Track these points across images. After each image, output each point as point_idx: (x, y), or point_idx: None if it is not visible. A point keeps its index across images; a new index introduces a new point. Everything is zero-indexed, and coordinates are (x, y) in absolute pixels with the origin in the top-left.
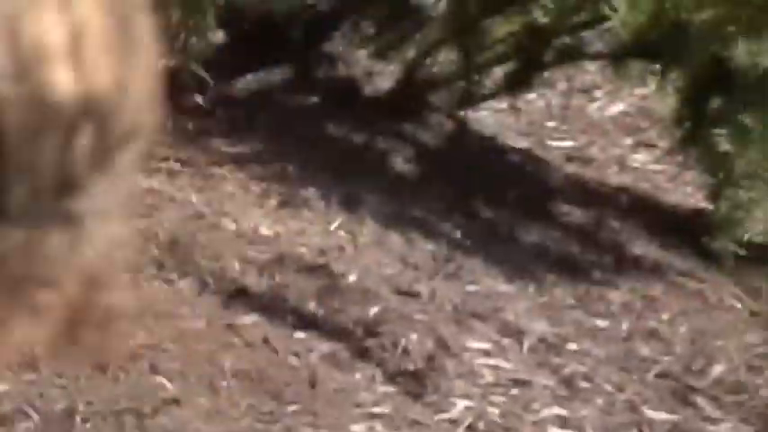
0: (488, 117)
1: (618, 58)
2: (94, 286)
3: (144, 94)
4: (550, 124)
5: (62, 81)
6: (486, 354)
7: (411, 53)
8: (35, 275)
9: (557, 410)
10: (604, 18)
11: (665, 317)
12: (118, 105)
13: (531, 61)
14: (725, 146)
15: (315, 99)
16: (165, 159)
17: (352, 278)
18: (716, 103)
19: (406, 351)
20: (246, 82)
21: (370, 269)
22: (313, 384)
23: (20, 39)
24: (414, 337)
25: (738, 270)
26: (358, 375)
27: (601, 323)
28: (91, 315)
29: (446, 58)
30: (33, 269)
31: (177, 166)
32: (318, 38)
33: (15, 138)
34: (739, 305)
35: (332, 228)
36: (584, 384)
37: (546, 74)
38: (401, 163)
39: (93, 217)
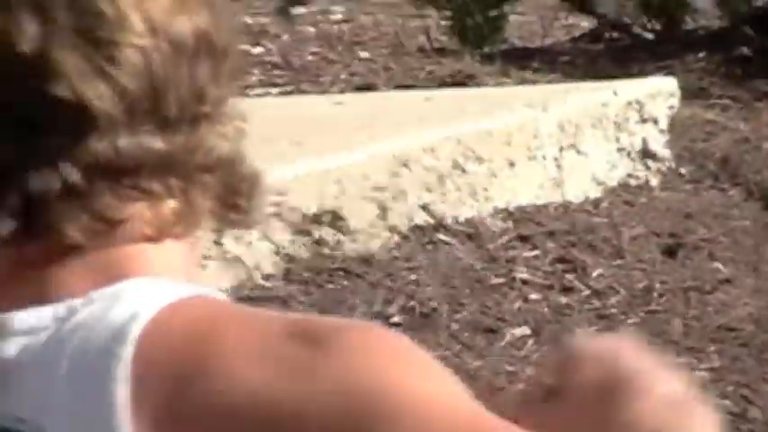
0: None
1: None
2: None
3: (230, 34)
4: None
5: (185, 30)
6: None
7: None
8: (198, 164)
9: None
10: None
11: None
12: (218, 43)
13: None
14: None
15: None
16: (719, 97)
17: None
18: None
19: None
20: None
21: None
22: None
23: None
24: None
25: None
26: None
27: None
28: None
29: None
30: (196, 159)
31: (728, 102)
32: None
33: (165, 67)
34: None
35: None
36: None
37: None
38: None
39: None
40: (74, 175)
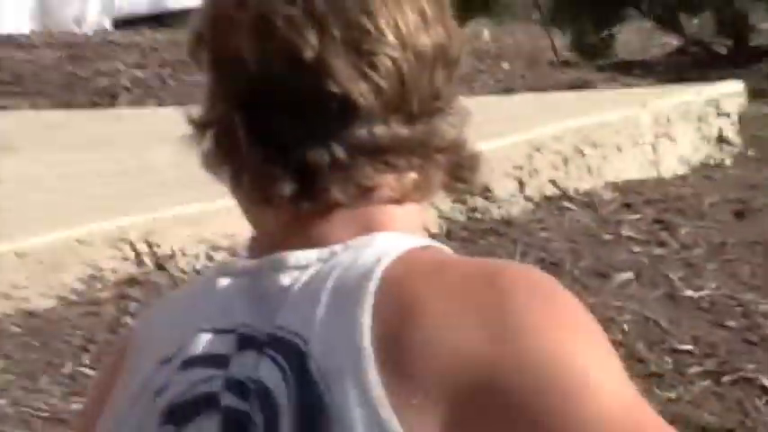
0: None
1: None
2: None
3: (460, 46)
4: None
5: (427, 44)
6: None
7: None
8: (434, 146)
9: None
10: None
11: None
12: (451, 54)
13: None
14: None
15: None
16: None
17: None
18: None
19: None
20: None
21: None
22: None
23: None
24: None
25: None
26: None
27: None
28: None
29: None
30: (432, 142)
31: None
32: None
33: (411, 73)
34: None
35: None
36: None
37: None
38: None
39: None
40: (340, 152)
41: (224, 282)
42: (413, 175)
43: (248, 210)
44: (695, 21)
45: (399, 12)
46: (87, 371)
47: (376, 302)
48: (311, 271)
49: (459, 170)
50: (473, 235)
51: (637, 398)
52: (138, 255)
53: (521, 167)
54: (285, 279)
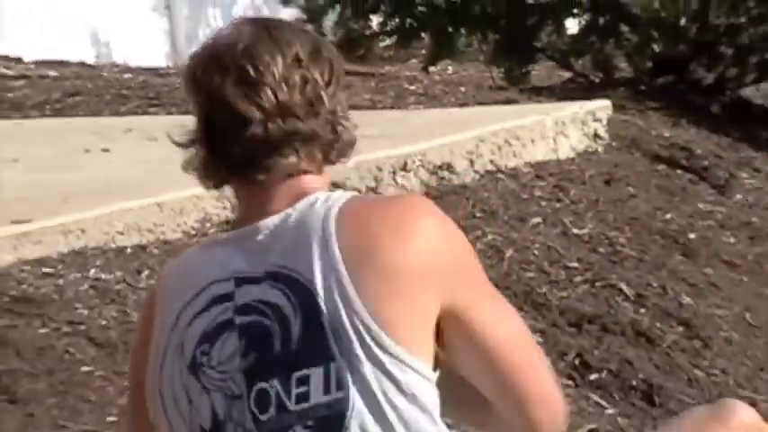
0: None
1: None
2: None
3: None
4: None
5: (296, 80)
6: None
7: None
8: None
9: None
10: None
11: None
12: (317, 82)
13: None
14: None
15: None
16: (631, 111)
17: None
18: None
19: None
20: None
21: None
22: None
23: None
24: None
25: None
26: None
27: None
28: None
29: None
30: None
31: (636, 113)
32: None
33: (286, 98)
34: None
35: None
36: None
37: None
38: None
39: None
40: (253, 148)
41: (218, 247)
42: (318, 156)
43: (234, 194)
44: (580, 61)
45: (276, 60)
46: None
47: (341, 232)
48: (280, 229)
49: (334, 153)
50: (442, 194)
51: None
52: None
53: (472, 152)
54: (262, 238)
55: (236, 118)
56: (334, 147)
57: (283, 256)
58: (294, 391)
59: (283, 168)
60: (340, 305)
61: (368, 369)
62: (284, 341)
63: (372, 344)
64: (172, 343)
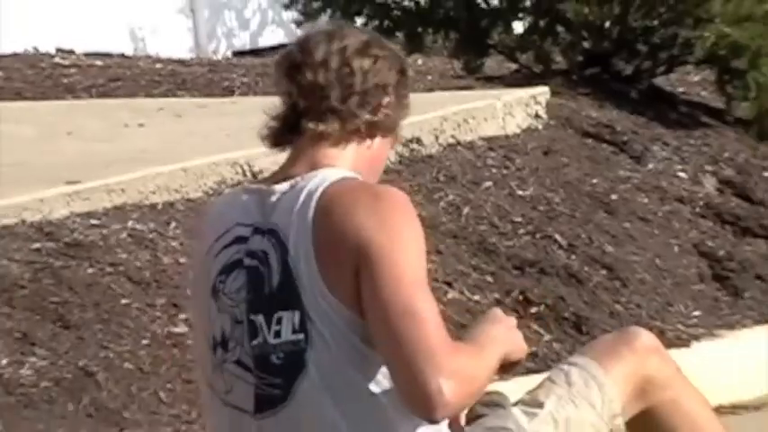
0: None
1: None
2: None
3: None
4: None
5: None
6: None
7: None
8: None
9: None
10: None
11: None
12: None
13: None
14: None
15: None
16: (564, 96)
17: None
18: None
19: None
20: None
21: None
22: None
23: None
24: None
25: None
26: None
27: None
28: None
29: None
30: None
31: (569, 96)
32: None
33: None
34: None
35: None
36: None
37: None
38: None
39: None
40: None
41: (245, 195)
42: (342, 130)
43: None
44: (524, 55)
45: (319, 48)
46: None
47: (316, 207)
48: (286, 194)
49: (364, 130)
50: (412, 163)
51: (420, 282)
52: (244, 173)
53: (436, 129)
54: (273, 199)
55: (283, 93)
56: (362, 125)
57: (280, 218)
58: (273, 327)
59: (308, 137)
60: (304, 267)
61: (320, 317)
62: (269, 286)
63: (320, 298)
64: (204, 267)
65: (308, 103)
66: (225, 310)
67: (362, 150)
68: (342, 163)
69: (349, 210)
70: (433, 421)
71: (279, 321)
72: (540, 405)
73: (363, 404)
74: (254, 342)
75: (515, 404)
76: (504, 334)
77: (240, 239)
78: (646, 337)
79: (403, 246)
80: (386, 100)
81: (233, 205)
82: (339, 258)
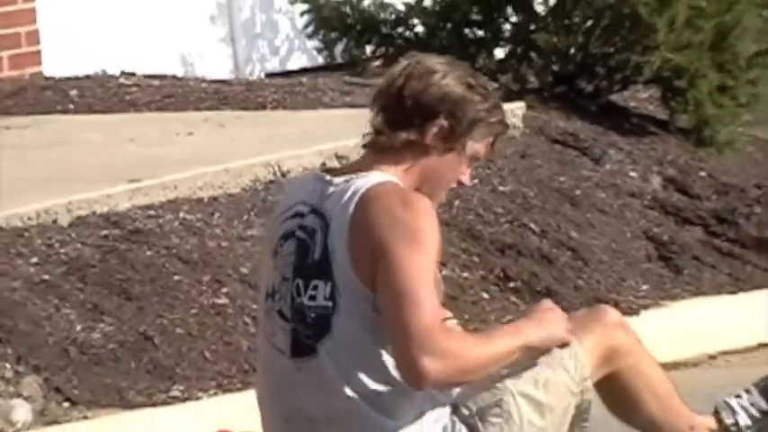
0: None
1: None
2: None
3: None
4: None
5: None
6: None
7: None
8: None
9: None
10: None
11: None
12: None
13: None
14: None
15: None
16: (535, 108)
17: None
18: None
19: None
20: None
21: None
22: None
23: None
24: None
25: None
26: None
27: None
28: None
29: None
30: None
31: (542, 108)
32: None
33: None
34: None
35: None
36: None
37: None
38: None
39: None
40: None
41: (313, 180)
42: (396, 146)
43: None
44: (504, 77)
45: (394, 84)
46: None
47: (357, 203)
48: (339, 186)
49: (419, 150)
50: None
51: (422, 278)
52: (274, 172)
53: None
54: (332, 189)
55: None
56: (407, 141)
57: (331, 205)
58: (309, 292)
59: (370, 144)
60: (338, 249)
61: (345, 290)
62: (312, 258)
63: (347, 275)
64: (271, 231)
65: (373, 118)
66: (278, 268)
67: (418, 161)
68: (391, 169)
69: (379, 210)
70: (418, 389)
71: (315, 288)
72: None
73: (374, 366)
74: (295, 299)
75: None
76: (534, 325)
77: (299, 215)
78: (612, 314)
79: (416, 249)
80: (436, 122)
81: (302, 186)
82: (365, 248)
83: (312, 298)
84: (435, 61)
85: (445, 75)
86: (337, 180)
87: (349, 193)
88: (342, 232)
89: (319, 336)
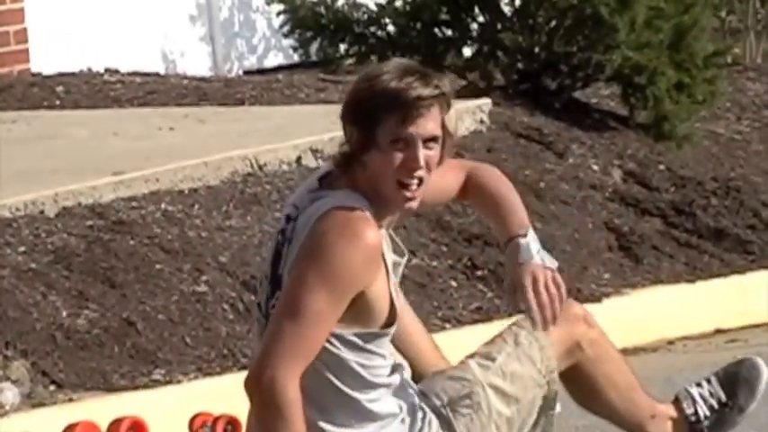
0: None
1: None
2: None
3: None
4: None
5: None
6: None
7: None
8: None
9: None
10: None
11: None
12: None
13: None
14: None
15: None
16: (500, 105)
17: None
18: None
19: None
20: None
21: None
22: None
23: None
24: None
25: None
26: None
27: None
28: None
29: None
30: None
31: (507, 105)
32: None
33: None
34: None
35: None
36: None
37: None
38: None
39: None
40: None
41: (309, 184)
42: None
43: None
44: (472, 75)
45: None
46: None
47: (308, 231)
48: (313, 203)
49: (350, 156)
50: None
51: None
52: (252, 165)
53: None
54: (308, 202)
55: None
56: (343, 154)
57: (300, 223)
58: (273, 300)
59: (333, 163)
60: (289, 269)
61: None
62: (281, 269)
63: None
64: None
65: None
66: (264, 266)
67: (360, 169)
68: (351, 185)
69: (311, 241)
70: (246, 387)
71: (277, 298)
72: (493, 359)
73: (314, 376)
74: (269, 301)
75: (472, 356)
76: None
77: (287, 217)
78: (576, 308)
79: (310, 282)
80: (348, 128)
81: (302, 187)
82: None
83: (274, 306)
84: (377, 67)
85: (360, 79)
86: (315, 195)
87: (310, 216)
88: (294, 256)
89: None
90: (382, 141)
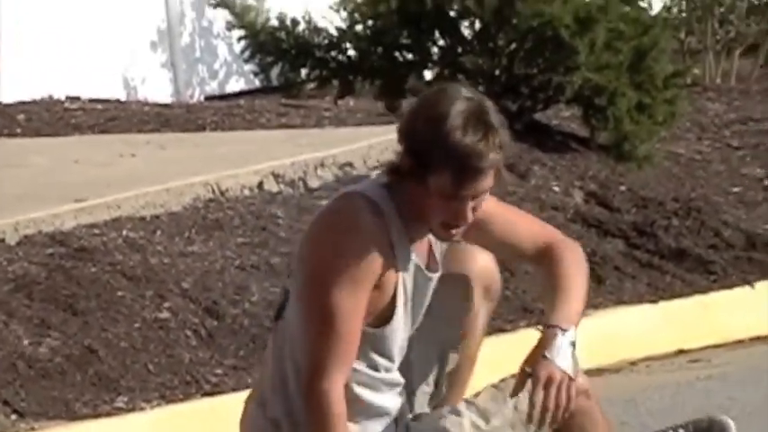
0: None
1: None
2: None
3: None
4: None
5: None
6: None
7: None
8: None
9: None
10: None
11: None
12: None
13: None
14: None
15: None
16: None
17: None
18: None
19: None
20: None
21: None
22: None
23: None
24: None
25: None
26: None
27: None
28: None
29: None
30: None
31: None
32: None
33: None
34: None
35: None
36: None
37: None
38: None
39: None
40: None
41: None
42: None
43: None
44: None
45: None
46: None
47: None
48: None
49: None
50: (345, 183)
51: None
52: (213, 191)
53: (365, 155)
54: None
55: None
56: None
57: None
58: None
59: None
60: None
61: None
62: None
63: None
64: None
65: None
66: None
67: (410, 187)
68: (388, 180)
69: (308, 231)
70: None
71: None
72: (488, 421)
73: (295, 347)
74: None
75: (470, 405)
76: None
77: None
78: (582, 380)
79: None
80: (401, 149)
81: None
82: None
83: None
84: (434, 96)
85: (409, 113)
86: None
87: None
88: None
89: (280, 313)
90: (433, 188)
